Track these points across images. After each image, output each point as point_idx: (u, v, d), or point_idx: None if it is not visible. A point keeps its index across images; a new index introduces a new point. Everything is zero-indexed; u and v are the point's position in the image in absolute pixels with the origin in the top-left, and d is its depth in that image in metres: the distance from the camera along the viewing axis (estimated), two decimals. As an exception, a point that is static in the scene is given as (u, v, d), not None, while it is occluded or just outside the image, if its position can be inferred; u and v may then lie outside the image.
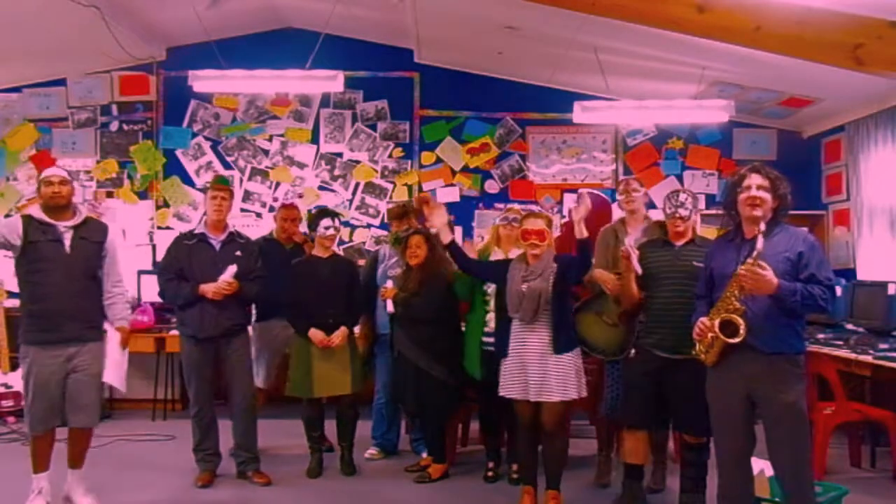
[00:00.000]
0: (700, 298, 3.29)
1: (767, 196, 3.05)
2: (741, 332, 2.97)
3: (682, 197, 3.70)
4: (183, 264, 4.31)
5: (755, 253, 2.93)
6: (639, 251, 3.76)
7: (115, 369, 3.87)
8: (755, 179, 3.07)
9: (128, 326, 3.97)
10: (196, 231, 4.44)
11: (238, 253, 4.36)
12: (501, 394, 3.88)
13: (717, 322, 3.04)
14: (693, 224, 3.76)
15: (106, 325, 3.90)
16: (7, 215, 6.73)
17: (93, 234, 3.85)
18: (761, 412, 3.07)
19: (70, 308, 3.72)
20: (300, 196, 6.70)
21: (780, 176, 3.13)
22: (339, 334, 4.43)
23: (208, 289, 4.21)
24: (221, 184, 4.57)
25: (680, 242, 3.72)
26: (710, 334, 3.08)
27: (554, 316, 3.78)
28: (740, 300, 2.99)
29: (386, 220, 6.54)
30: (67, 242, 3.75)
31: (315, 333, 4.42)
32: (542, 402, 3.78)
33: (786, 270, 2.99)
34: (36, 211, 3.82)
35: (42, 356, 3.70)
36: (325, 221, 4.52)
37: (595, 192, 6.16)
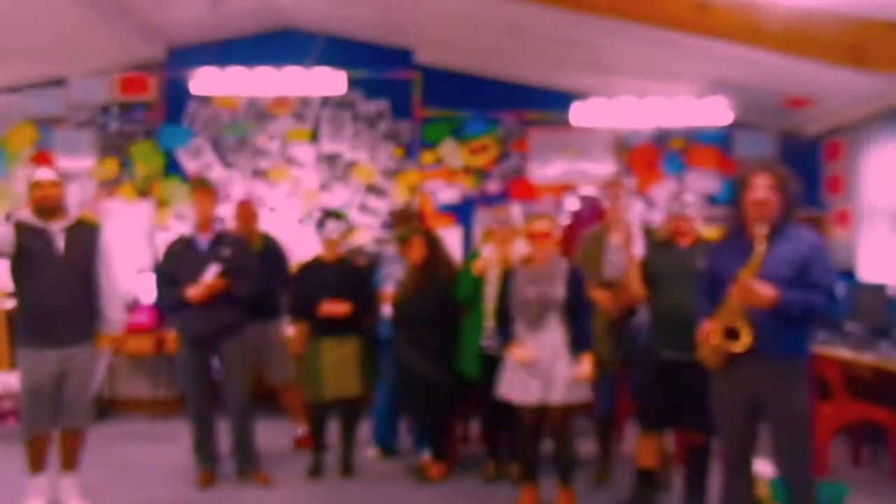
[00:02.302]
0: (701, 298, 3.26)
1: (774, 196, 2.97)
2: (745, 339, 2.94)
3: (687, 198, 3.72)
4: (173, 267, 4.31)
5: (755, 257, 2.90)
6: (644, 254, 3.84)
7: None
8: (762, 179, 2.98)
9: (119, 329, 3.95)
10: (185, 234, 4.44)
11: (227, 252, 4.34)
12: (502, 396, 3.88)
13: (719, 328, 3.01)
14: (696, 225, 3.78)
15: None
16: (7, 216, 6.75)
17: (85, 235, 3.85)
18: (765, 415, 3.06)
19: (64, 310, 3.72)
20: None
21: (790, 174, 3.04)
22: (342, 306, 4.40)
23: (190, 292, 4.18)
24: (200, 184, 4.58)
25: (683, 243, 3.73)
26: (715, 340, 3.05)
27: (568, 318, 3.78)
28: (744, 306, 2.96)
29: (388, 223, 6.59)
30: (60, 244, 3.74)
31: (324, 307, 4.38)
32: (545, 404, 3.78)
33: (789, 275, 2.94)
34: (27, 214, 3.81)
35: (37, 358, 3.70)
36: (330, 224, 4.54)
37: (595, 192, 6.18)
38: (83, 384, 3.80)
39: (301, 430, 5.13)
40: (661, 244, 3.85)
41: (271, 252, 5.02)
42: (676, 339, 3.58)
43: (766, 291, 2.87)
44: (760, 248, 2.90)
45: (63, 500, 3.85)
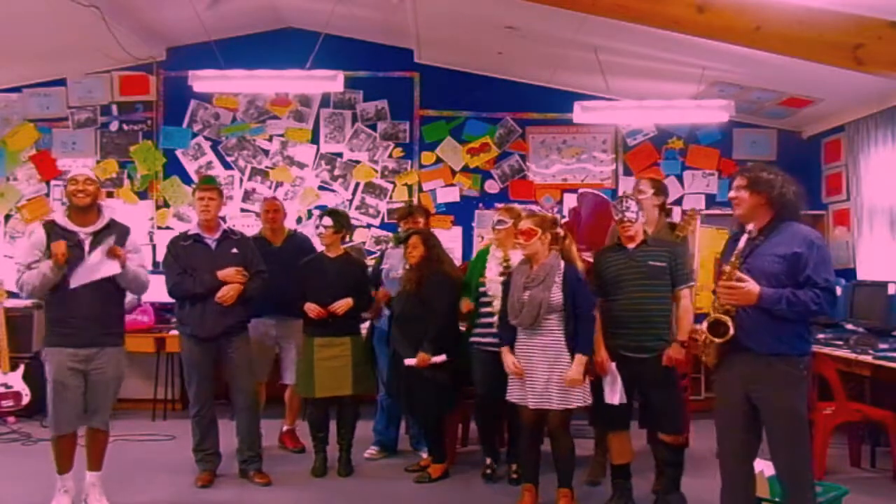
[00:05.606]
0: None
1: (745, 195, 3.07)
2: (729, 332, 2.97)
3: (627, 202, 3.86)
4: (184, 263, 4.31)
5: (735, 253, 2.97)
6: (596, 257, 4.01)
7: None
8: (736, 180, 3.14)
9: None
10: (190, 232, 4.44)
11: (234, 250, 4.36)
12: (508, 399, 3.90)
13: (706, 323, 3.06)
14: (642, 226, 3.91)
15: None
16: (7, 216, 6.76)
17: (112, 240, 3.81)
18: (760, 413, 3.07)
19: (89, 314, 3.73)
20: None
21: (762, 177, 3.06)
22: (342, 304, 4.43)
23: (225, 273, 4.20)
24: (207, 183, 4.57)
25: (632, 245, 3.85)
26: (703, 336, 3.09)
27: (568, 322, 3.76)
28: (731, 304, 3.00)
29: (388, 220, 6.60)
30: (87, 249, 3.75)
31: (310, 307, 4.43)
32: (544, 408, 3.77)
33: (780, 270, 2.96)
34: (59, 216, 3.85)
35: (62, 358, 3.72)
36: (322, 221, 4.58)
37: (595, 192, 6.18)
38: (106, 385, 3.82)
39: (286, 426, 5.16)
40: (612, 248, 3.98)
41: (295, 249, 5.02)
42: (631, 339, 3.74)
43: (748, 287, 2.90)
44: (741, 244, 2.98)
45: (88, 499, 3.88)
